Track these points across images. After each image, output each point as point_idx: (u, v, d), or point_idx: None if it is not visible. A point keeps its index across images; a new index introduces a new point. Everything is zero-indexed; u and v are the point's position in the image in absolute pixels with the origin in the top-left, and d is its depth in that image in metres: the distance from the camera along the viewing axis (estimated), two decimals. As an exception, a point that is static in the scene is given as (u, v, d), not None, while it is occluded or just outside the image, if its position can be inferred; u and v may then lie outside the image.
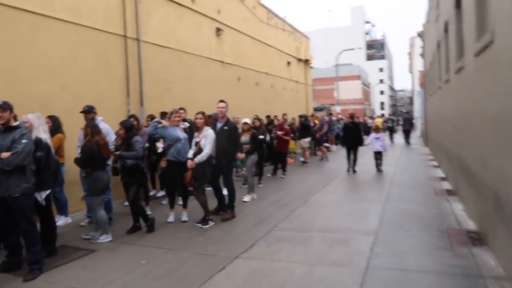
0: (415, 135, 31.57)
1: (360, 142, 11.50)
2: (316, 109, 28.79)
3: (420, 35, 20.09)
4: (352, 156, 11.41)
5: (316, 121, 17.13)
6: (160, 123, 6.18)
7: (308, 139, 14.08)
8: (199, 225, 6.08)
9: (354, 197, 8.05)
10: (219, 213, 6.77)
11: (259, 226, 6.07)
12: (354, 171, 11.35)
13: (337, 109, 30.32)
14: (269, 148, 11.60)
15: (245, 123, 7.95)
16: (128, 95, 8.46)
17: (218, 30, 12.50)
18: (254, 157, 7.85)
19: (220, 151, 6.50)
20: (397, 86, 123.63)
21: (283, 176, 11.06)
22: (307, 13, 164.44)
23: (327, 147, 19.33)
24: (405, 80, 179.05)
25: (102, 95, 7.83)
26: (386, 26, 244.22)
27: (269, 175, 11.27)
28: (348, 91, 50.06)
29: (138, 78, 8.78)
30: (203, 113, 6.19)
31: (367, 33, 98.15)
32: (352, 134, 11.45)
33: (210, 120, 6.83)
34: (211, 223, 6.16)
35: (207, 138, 6.07)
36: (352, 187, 9.27)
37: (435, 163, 13.10)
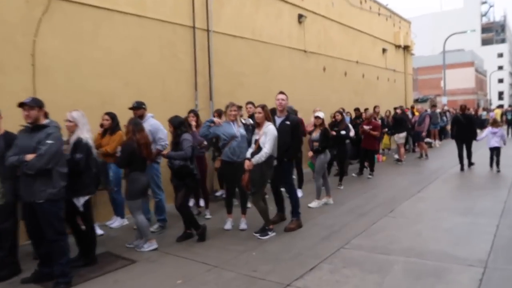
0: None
1: (474, 136, 10.27)
2: (418, 101, 25.99)
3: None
4: (465, 152, 10.23)
5: (416, 114, 15.06)
6: (212, 122, 5.50)
7: (403, 134, 12.30)
8: (257, 235, 5.28)
9: (457, 208, 6.43)
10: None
11: (327, 241, 5.03)
12: (471, 164, 10.27)
13: (443, 100, 26.92)
14: (356, 144, 10.33)
15: (317, 117, 6.89)
16: (196, 90, 8.00)
17: (300, 16, 11.49)
18: (324, 157, 6.75)
19: (282, 149, 5.62)
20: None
21: (370, 176, 9.67)
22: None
23: (429, 143, 17.08)
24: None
25: (168, 90, 7.47)
26: (509, 5, 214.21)
27: (354, 175, 9.97)
28: (459, 80, 44.56)
29: (207, 71, 8.28)
30: (263, 107, 5.34)
31: (483, 15, 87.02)
32: (464, 128, 10.25)
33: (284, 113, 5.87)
34: (271, 234, 5.30)
35: (267, 135, 5.21)
36: (456, 194, 7.56)
37: None
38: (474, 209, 6.27)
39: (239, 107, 7.38)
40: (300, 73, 11.52)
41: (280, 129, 5.66)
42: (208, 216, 6.31)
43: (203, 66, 8.21)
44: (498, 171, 9.65)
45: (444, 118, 20.54)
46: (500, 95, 79.22)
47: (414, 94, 29.51)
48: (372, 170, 9.85)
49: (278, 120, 5.82)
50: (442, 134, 21.06)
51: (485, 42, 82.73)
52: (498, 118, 25.14)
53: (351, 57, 14.49)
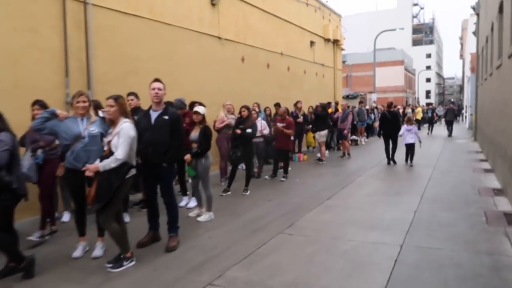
0: (463, 127, 27.93)
1: (398, 132, 10.75)
2: (348, 97, 25.99)
3: (474, 7, 16.76)
4: (391, 146, 10.87)
5: (340, 110, 14.57)
6: (54, 114, 4.13)
7: (324, 132, 11.62)
8: (108, 266, 4.02)
9: (364, 220, 5.62)
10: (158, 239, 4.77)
11: (196, 274, 3.90)
12: (394, 162, 10.84)
13: (372, 97, 27.22)
14: (270, 144, 9.40)
15: (196, 113, 5.69)
16: (67, 76, 6.48)
17: (214, -2, 10.29)
18: (205, 161, 5.62)
19: (159, 151, 4.44)
20: (446, 74, 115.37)
21: (283, 179, 8.77)
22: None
23: (355, 140, 16.78)
24: (456, 67, 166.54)
25: (23, 74, 5.89)
26: (437, 8, 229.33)
27: (267, 177, 9.04)
28: (389, 78, 46.05)
29: (84, 53, 6.78)
30: (116, 98, 4.06)
31: (414, 17, 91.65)
32: (390, 124, 10.84)
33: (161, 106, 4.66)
34: (127, 264, 4.06)
35: (120, 136, 3.95)
36: (367, 201, 6.82)
37: (486, 165, 10.26)
38: (382, 222, 5.50)
39: (134, 95, 6.05)
40: (214, 62, 10.32)
41: (156, 125, 4.53)
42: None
43: (79, 46, 6.70)
44: (411, 166, 10.40)
45: (372, 115, 20.52)
46: (428, 93, 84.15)
47: (345, 90, 29.67)
48: (286, 172, 8.95)
49: (154, 115, 4.63)
50: (369, 131, 21.08)
51: (415, 42, 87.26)
52: (419, 116, 26.13)
53: (275, 48, 13.57)
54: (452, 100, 43.19)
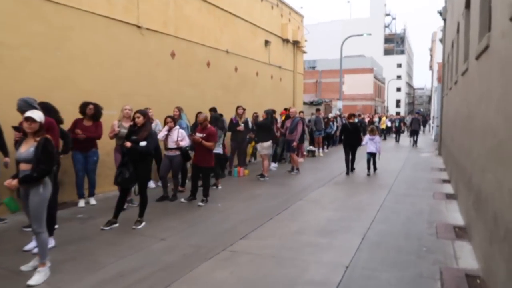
0: (429, 138, 27.04)
1: (359, 143, 11.03)
2: (312, 103, 24.58)
3: (441, 12, 15.58)
4: (350, 157, 10.92)
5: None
6: None
7: (267, 144, 9.94)
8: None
9: (275, 282, 3.92)
10: None
11: None
12: (353, 169, 11.03)
13: (338, 104, 25.91)
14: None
15: (29, 120, 3.72)
16: None
17: (133, -22, 8.44)
18: (44, 191, 3.78)
19: None
20: (416, 84, 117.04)
21: (201, 204, 6.99)
22: (324, 2, 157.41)
23: (311, 151, 15.24)
24: (426, 78, 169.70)
25: None
26: (409, 21, 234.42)
27: (183, 200, 7.25)
28: (358, 86, 45.24)
29: None
30: None
31: (386, 27, 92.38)
32: (351, 135, 10.98)
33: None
34: None
35: None
36: (289, 245, 5.10)
37: (449, 188, 8.83)
38: (300, 279, 3.81)
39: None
40: (130, 57, 8.46)
41: None
42: None
43: None
44: (375, 171, 10.89)
45: (334, 124, 19.08)
46: (398, 103, 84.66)
47: (309, 97, 28.28)
48: (205, 195, 7.16)
49: None
50: (330, 141, 19.63)
51: (387, 52, 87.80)
52: (383, 126, 25.31)
53: (218, 44, 11.82)
54: (418, 110, 42.94)
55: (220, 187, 8.58)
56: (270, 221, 6.07)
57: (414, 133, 20.60)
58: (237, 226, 5.76)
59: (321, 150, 15.96)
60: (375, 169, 10.89)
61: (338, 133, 20.68)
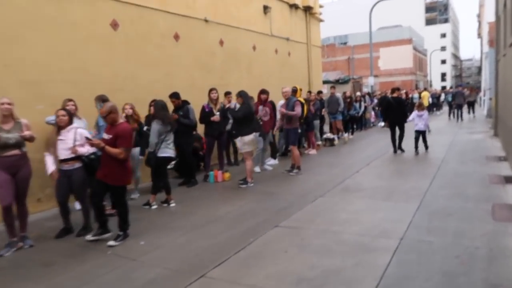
0: (481, 113, 22.98)
1: (405, 119, 10.14)
2: (338, 82, 21.33)
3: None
4: (398, 134, 10.11)
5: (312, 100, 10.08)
6: None
7: (249, 138, 7.27)
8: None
9: None
10: None
11: None
12: (402, 151, 10.09)
13: (369, 81, 22.46)
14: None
15: None
16: None
17: None
18: None
19: None
20: (463, 55, 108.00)
21: (112, 244, 4.49)
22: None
23: (329, 140, 12.40)
24: (474, 49, 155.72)
25: None
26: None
27: (89, 238, 4.79)
28: (396, 59, 40.83)
29: None
30: None
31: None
32: (395, 111, 10.07)
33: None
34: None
35: None
36: None
37: (516, 192, 5.78)
38: None
39: None
40: (38, 28, 6.05)
41: None
42: None
43: None
44: (427, 150, 9.92)
45: (360, 104, 15.97)
46: (443, 76, 77.94)
47: (335, 74, 24.92)
48: (122, 228, 4.63)
49: None
50: (359, 124, 16.58)
51: (429, 22, 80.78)
52: (426, 102, 21.69)
53: (192, 11, 9.18)
54: (462, 83, 38.34)
55: (172, 204, 6.09)
56: (229, 260, 3.50)
57: (458, 107, 19.16)
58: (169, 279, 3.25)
59: (345, 134, 13.09)
60: (426, 147, 9.97)
61: (368, 114, 17.68)
